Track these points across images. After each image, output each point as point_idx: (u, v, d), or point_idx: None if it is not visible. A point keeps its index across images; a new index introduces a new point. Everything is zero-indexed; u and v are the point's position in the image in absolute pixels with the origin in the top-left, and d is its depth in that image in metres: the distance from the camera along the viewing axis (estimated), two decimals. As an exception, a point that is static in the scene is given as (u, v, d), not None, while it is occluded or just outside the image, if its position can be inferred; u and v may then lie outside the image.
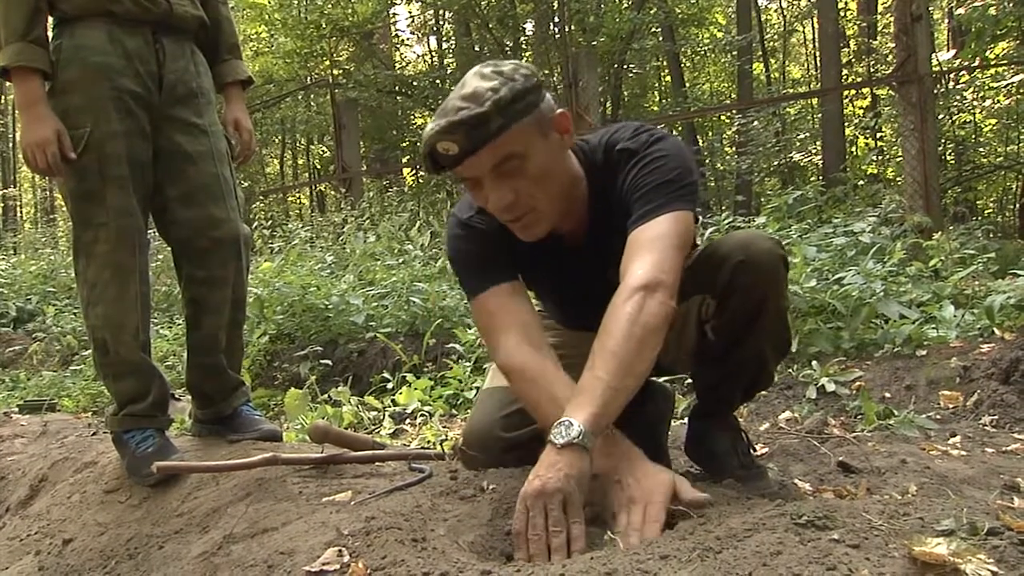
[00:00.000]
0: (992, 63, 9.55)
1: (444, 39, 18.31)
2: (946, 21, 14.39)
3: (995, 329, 3.40)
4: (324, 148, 20.47)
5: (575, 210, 1.74)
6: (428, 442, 3.05)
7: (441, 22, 18.06)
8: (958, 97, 11.10)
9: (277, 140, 20.42)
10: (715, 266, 1.72)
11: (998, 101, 10.83)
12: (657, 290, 1.50)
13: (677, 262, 1.56)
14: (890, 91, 9.36)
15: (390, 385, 4.16)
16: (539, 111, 1.57)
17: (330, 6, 13.97)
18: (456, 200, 13.09)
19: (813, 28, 17.93)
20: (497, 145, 1.52)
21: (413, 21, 18.78)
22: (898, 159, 9.26)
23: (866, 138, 12.73)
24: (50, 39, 2.29)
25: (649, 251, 1.55)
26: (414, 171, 16.57)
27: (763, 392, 2.78)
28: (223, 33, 2.56)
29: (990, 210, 13.17)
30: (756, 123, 11.33)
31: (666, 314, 1.51)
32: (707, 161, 14.77)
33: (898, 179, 8.77)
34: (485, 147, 1.52)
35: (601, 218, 1.73)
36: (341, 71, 14.97)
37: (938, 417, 2.85)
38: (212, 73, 2.53)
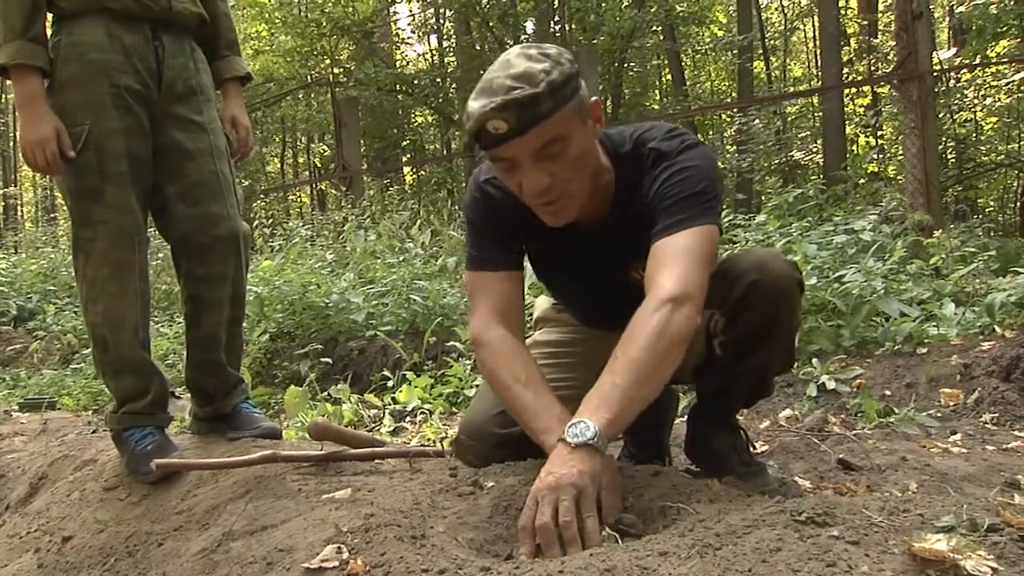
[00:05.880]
0: (993, 61, 9.55)
1: (444, 38, 18.30)
2: (947, 19, 14.39)
3: (996, 327, 3.40)
4: (325, 147, 20.48)
5: (598, 197, 1.73)
6: (428, 440, 3.05)
7: (442, 21, 18.05)
8: (959, 95, 11.09)
9: (278, 139, 20.43)
10: (728, 283, 1.72)
11: (999, 99, 10.84)
12: (685, 304, 1.51)
13: (704, 277, 1.56)
14: (891, 89, 9.35)
15: (390, 383, 4.16)
16: (580, 97, 1.56)
17: (330, 5, 14.00)
18: (458, 199, 13.13)
19: (814, 26, 17.92)
20: (545, 127, 1.51)
21: (414, 20, 18.79)
22: (899, 157, 9.25)
23: (867, 136, 12.72)
24: (48, 36, 2.28)
25: (676, 264, 1.55)
26: (414, 170, 16.58)
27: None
28: (221, 29, 2.56)
29: (991, 208, 13.15)
30: (757, 121, 11.32)
31: (691, 329, 1.53)
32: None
33: (899, 177, 8.76)
34: (534, 128, 1.50)
35: (623, 208, 1.73)
36: (342, 70, 15.00)
37: (938, 415, 2.84)
38: (210, 69, 2.52)
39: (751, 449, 1.98)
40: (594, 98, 1.62)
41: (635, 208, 1.69)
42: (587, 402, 1.48)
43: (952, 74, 10.63)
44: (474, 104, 1.50)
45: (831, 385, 3.19)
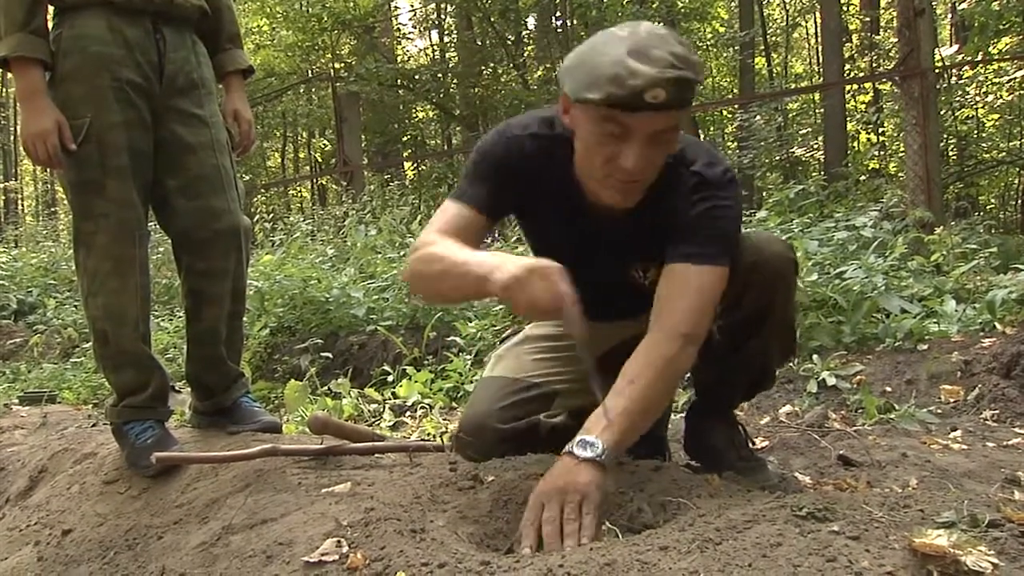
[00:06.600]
0: (995, 58, 9.54)
1: (446, 33, 18.29)
2: (949, 16, 14.38)
3: (996, 324, 3.40)
4: (325, 141, 20.48)
5: None
6: (428, 434, 3.05)
7: (443, 16, 18.04)
8: (960, 92, 11.09)
9: (278, 133, 20.44)
10: None
11: (1000, 96, 10.84)
12: (694, 342, 1.60)
13: (711, 318, 1.64)
14: (892, 86, 9.34)
15: (390, 378, 4.16)
16: None
17: (331, 0, 13.97)
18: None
19: (816, 23, 17.90)
20: (680, 114, 1.53)
21: (415, 15, 18.76)
22: (900, 154, 9.25)
23: (868, 133, 12.71)
24: (50, 29, 2.28)
25: (695, 299, 1.61)
26: (415, 165, 16.57)
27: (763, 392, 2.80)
28: (223, 22, 2.55)
29: (992, 205, 13.16)
30: (758, 118, 11.31)
31: (690, 365, 1.63)
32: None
33: (900, 174, 8.75)
34: (675, 111, 1.50)
35: (645, 211, 1.71)
36: (343, 65, 14.97)
37: (939, 411, 2.84)
38: (212, 62, 2.51)
39: (750, 444, 1.98)
40: None
41: (654, 217, 1.68)
42: (596, 421, 1.52)
43: (954, 71, 10.62)
44: (640, 66, 1.44)
45: (831, 381, 3.19)
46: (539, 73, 14.71)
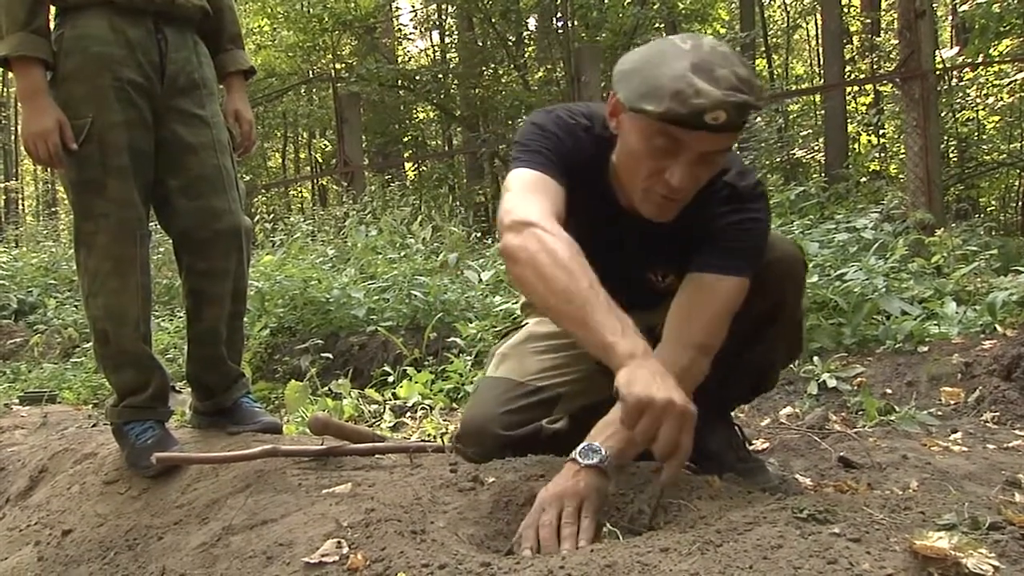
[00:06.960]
0: (995, 60, 9.53)
1: (447, 33, 18.28)
2: (950, 18, 14.38)
3: (997, 326, 3.40)
4: (326, 142, 20.47)
5: None
6: (429, 435, 3.05)
7: (444, 16, 18.03)
8: (961, 94, 11.08)
9: (279, 134, 20.42)
10: None
11: (1001, 98, 10.83)
12: (708, 353, 1.62)
13: (726, 329, 1.65)
14: (893, 88, 9.34)
15: (391, 378, 4.16)
16: None
17: (333, 0, 13.97)
18: (459, 194, 13.01)
19: (816, 24, 17.91)
20: (734, 137, 1.52)
21: (416, 15, 18.76)
22: (901, 156, 9.24)
23: (869, 135, 12.70)
24: (52, 28, 2.28)
25: (715, 310, 1.63)
26: (416, 165, 16.57)
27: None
28: (225, 22, 2.55)
29: (992, 207, 13.14)
30: (759, 119, 11.29)
31: (704, 375, 1.63)
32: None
33: (901, 176, 8.75)
34: (731, 132, 1.49)
35: (676, 216, 1.68)
36: (343, 65, 14.97)
37: (939, 413, 2.84)
38: (213, 63, 2.52)
39: (747, 445, 1.98)
40: None
41: (683, 226, 1.67)
42: (602, 427, 1.52)
43: (954, 73, 10.62)
44: (705, 86, 1.40)
45: (832, 383, 3.19)
46: (540, 74, 14.70)
